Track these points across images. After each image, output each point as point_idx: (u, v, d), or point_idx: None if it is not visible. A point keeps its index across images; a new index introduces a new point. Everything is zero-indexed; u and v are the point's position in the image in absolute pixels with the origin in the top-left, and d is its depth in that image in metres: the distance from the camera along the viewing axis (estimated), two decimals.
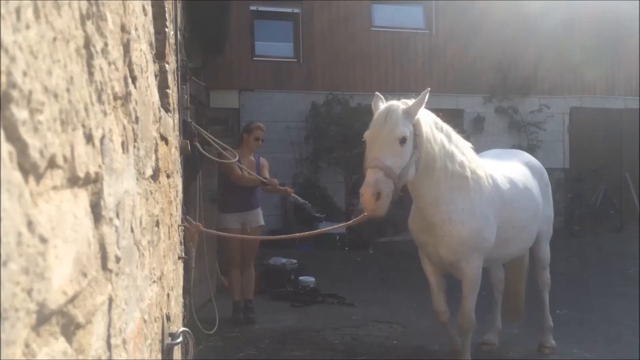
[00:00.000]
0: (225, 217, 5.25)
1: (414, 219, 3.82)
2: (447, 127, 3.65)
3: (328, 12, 11.08)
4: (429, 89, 3.40)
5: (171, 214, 2.15)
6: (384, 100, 3.47)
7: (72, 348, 0.66)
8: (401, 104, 3.36)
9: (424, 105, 3.37)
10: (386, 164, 3.15)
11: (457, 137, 3.71)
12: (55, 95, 0.62)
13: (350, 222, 4.11)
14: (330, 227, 3.90)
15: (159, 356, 1.57)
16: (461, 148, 3.69)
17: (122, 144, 1.01)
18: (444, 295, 3.98)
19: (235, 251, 5.33)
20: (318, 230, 4.19)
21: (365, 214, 3.25)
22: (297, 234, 4.00)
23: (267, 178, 5.19)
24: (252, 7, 10.92)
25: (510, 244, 4.02)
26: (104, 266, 0.83)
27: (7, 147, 0.50)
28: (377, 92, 3.59)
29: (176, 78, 2.72)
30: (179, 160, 2.99)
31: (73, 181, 0.68)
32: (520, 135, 11.66)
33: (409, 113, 3.30)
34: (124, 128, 1.03)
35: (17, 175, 0.52)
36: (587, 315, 5.51)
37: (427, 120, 3.47)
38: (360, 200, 3.19)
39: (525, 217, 4.06)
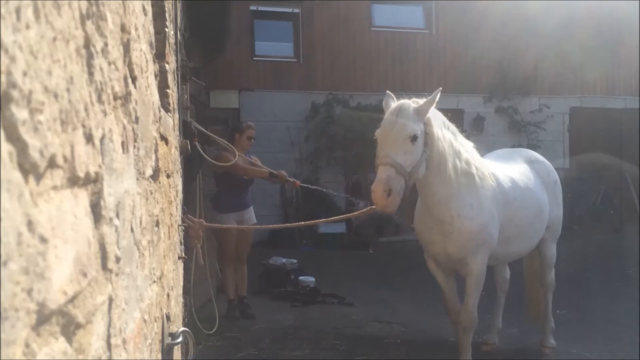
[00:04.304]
0: (222, 217, 5.27)
1: (420, 218, 3.83)
2: (453, 127, 3.70)
3: (328, 12, 11.08)
4: (441, 88, 3.47)
5: (171, 214, 2.15)
6: (394, 99, 3.51)
7: (72, 348, 0.67)
8: (412, 102, 3.40)
9: (435, 105, 3.41)
10: (397, 161, 3.19)
11: (461, 137, 3.76)
12: (55, 95, 0.62)
13: (356, 213, 4.13)
14: (335, 218, 3.91)
15: (159, 356, 1.57)
16: (465, 146, 3.74)
17: (122, 144, 1.01)
18: (456, 296, 4.00)
19: (230, 249, 5.36)
20: (321, 220, 4.22)
21: (373, 206, 3.28)
22: (299, 223, 4.00)
23: (277, 170, 5.21)
24: (252, 7, 10.92)
25: (514, 243, 4.04)
26: (104, 266, 0.83)
27: (7, 147, 0.50)
28: (388, 91, 3.62)
29: (176, 78, 2.73)
30: (179, 160, 2.99)
31: (73, 181, 0.68)
32: (520, 135, 11.67)
33: (420, 112, 3.34)
34: (124, 128, 1.03)
35: (17, 175, 0.52)
36: (587, 315, 5.51)
37: (437, 119, 3.51)
38: (372, 197, 3.21)
39: (527, 215, 4.07)
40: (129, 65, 1.11)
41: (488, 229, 3.71)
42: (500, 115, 11.72)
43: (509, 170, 4.17)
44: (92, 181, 0.77)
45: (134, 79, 1.16)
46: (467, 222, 3.61)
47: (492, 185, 3.80)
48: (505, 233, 3.87)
